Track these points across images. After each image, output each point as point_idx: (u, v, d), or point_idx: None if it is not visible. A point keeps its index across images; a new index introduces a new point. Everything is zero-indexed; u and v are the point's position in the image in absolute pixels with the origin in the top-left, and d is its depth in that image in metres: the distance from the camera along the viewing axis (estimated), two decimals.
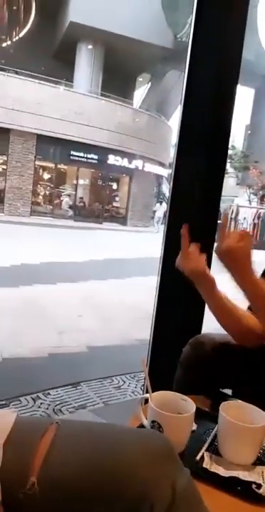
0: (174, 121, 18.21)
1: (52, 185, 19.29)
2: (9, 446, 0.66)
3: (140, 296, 4.58)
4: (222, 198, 1.75)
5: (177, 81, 19.99)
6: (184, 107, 1.62)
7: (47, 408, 2.24)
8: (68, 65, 19.42)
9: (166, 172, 21.43)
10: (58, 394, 2.40)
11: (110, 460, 0.64)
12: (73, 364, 3.06)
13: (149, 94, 24.31)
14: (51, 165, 19.02)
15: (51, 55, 20.37)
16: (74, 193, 19.63)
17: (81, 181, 20.33)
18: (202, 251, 1.06)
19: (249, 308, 1.10)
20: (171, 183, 1.70)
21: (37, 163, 17.82)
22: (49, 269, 7.02)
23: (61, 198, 19.50)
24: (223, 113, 1.63)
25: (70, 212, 19.08)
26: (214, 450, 0.88)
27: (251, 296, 0.99)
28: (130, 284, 6.50)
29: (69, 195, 19.58)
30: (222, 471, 0.82)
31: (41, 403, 2.28)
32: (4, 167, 17.21)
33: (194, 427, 0.91)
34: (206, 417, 0.98)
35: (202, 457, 0.86)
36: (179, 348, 1.22)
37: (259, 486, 0.79)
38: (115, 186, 21.82)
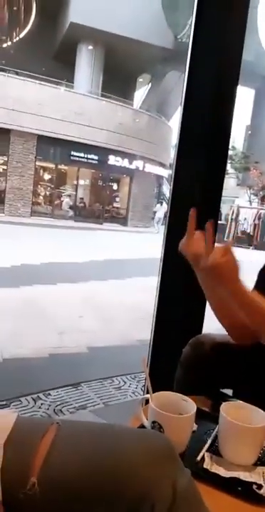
0: (175, 122, 18.22)
1: (52, 186, 19.30)
2: (10, 446, 0.66)
3: (141, 297, 4.58)
4: (223, 198, 1.75)
5: (177, 82, 20.05)
6: (185, 108, 1.62)
7: (47, 408, 2.24)
8: (68, 65, 19.44)
9: (166, 173, 21.45)
10: (58, 394, 2.40)
11: (111, 460, 0.64)
12: (74, 364, 3.06)
13: (149, 95, 24.33)
14: (52, 165, 19.04)
15: (52, 55, 20.40)
16: (74, 193, 19.64)
17: (82, 182, 20.35)
18: None
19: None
20: (171, 184, 1.70)
21: (37, 163, 17.84)
22: (49, 269, 7.03)
23: (62, 199, 19.51)
24: (223, 114, 1.63)
25: (71, 213, 19.09)
26: (215, 451, 0.88)
27: (241, 307, 1.00)
28: (130, 284, 6.50)
29: (69, 196, 19.59)
30: (223, 472, 0.82)
31: (42, 403, 2.28)
32: (5, 167, 17.23)
33: (195, 427, 0.90)
34: (207, 417, 0.98)
35: (203, 458, 0.86)
36: (179, 349, 1.22)
37: (260, 486, 0.79)
38: (115, 187, 21.84)
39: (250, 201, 20.76)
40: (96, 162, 18.75)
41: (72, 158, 18.21)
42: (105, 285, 6.25)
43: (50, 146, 17.41)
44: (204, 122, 1.61)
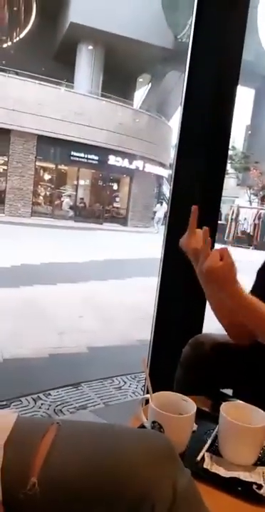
0: (175, 122, 18.23)
1: (52, 186, 19.31)
2: (10, 446, 0.66)
3: (141, 297, 4.58)
4: (223, 198, 1.75)
5: (177, 82, 20.05)
6: (185, 108, 1.62)
7: (48, 409, 2.24)
8: (68, 65, 19.45)
9: (166, 173, 21.45)
10: (58, 394, 2.41)
11: (111, 460, 0.64)
12: (74, 364, 3.06)
13: (149, 95, 24.34)
14: (52, 165, 19.04)
15: (52, 55, 20.41)
16: (74, 193, 19.65)
17: (82, 182, 20.35)
18: None
19: None
20: (171, 184, 1.70)
21: (38, 163, 17.84)
22: (49, 269, 7.03)
23: (62, 199, 19.51)
24: (223, 114, 1.63)
25: (71, 213, 19.10)
26: (215, 451, 0.88)
27: (238, 310, 1.00)
28: (130, 284, 6.50)
29: (69, 196, 19.59)
30: (223, 472, 0.82)
31: (42, 404, 2.28)
32: (5, 168, 17.24)
33: (195, 427, 0.91)
34: (207, 417, 0.98)
35: (203, 458, 0.86)
36: (179, 349, 1.22)
37: (260, 486, 0.79)
38: (115, 187, 21.84)
39: (250, 201, 20.77)
40: (96, 162, 18.75)
41: (72, 158, 18.21)
42: (105, 285, 6.25)
43: (50, 146, 17.42)
44: (204, 122, 1.61)
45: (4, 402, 2.24)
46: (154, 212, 20.83)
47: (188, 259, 1.03)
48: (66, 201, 19.40)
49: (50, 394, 2.39)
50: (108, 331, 3.97)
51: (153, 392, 0.90)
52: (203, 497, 0.65)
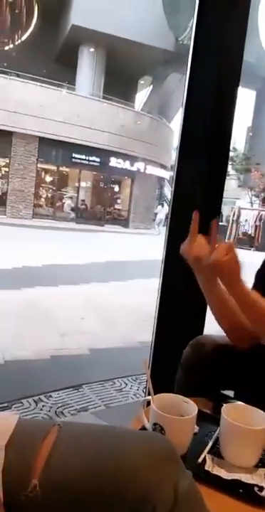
0: (176, 124, 18.24)
1: (54, 188, 19.34)
2: (11, 448, 0.66)
3: (142, 299, 4.58)
4: (224, 200, 1.75)
5: (179, 84, 20.07)
6: (186, 110, 1.62)
7: (49, 410, 2.24)
8: (70, 68, 19.49)
9: (168, 174, 21.46)
10: (59, 396, 2.40)
11: (112, 462, 0.64)
12: (75, 366, 3.06)
13: (150, 97, 24.37)
14: (53, 167, 19.07)
15: (53, 58, 20.46)
16: (76, 195, 19.67)
17: (83, 184, 20.38)
18: None
19: None
20: (172, 186, 1.71)
21: (39, 165, 17.87)
22: (51, 271, 7.03)
23: (63, 201, 19.54)
24: (224, 115, 1.63)
25: (72, 215, 19.12)
26: (216, 452, 0.88)
27: (241, 306, 1.01)
28: (131, 286, 6.50)
29: (71, 198, 19.62)
30: (224, 474, 0.82)
31: (43, 405, 2.28)
32: (6, 170, 17.28)
33: (196, 429, 0.90)
34: (208, 419, 0.97)
35: (204, 460, 0.86)
36: (181, 351, 1.22)
37: (261, 488, 0.79)
38: (116, 189, 21.87)
39: (251, 202, 20.76)
40: (98, 164, 18.78)
41: (73, 160, 18.24)
42: (107, 287, 6.25)
43: (51, 148, 17.45)
44: (206, 124, 1.61)
45: (5, 404, 2.24)
46: (156, 214, 20.84)
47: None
48: (68, 203, 19.42)
49: (51, 396, 2.39)
50: (109, 333, 3.97)
51: (154, 394, 0.90)
52: (204, 499, 0.65)
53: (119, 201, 21.41)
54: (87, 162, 18.51)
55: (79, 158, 18.23)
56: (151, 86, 24.68)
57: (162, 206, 20.52)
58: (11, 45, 17.07)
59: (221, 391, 1.18)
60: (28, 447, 0.67)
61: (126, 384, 2.67)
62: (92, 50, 19.69)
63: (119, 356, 3.33)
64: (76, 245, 11.91)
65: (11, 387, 2.50)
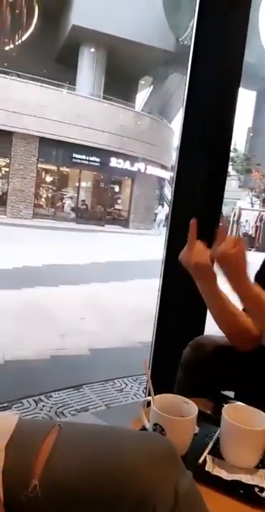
0: (176, 124, 18.23)
1: (54, 188, 19.35)
2: (11, 448, 0.66)
3: (142, 299, 4.58)
4: (224, 200, 1.74)
5: (179, 84, 20.07)
6: (186, 110, 1.62)
7: (49, 411, 2.24)
8: (70, 68, 19.50)
9: (168, 175, 21.46)
10: (60, 396, 2.40)
11: (112, 462, 0.64)
12: (75, 366, 3.06)
13: (151, 97, 24.39)
14: (54, 168, 19.08)
15: (54, 58, 20.47)
16: (76, 195, 19.67)
17: (83, 184, 20.38)
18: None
19: (244, 309, 1.10)
20: (173, 186, 1.71)
21: (39, 165, 17.87)
22: (51, 271, 7.03)
23: (63, 201, 19.55)
24: (225, 116, 1.63)
25: (73, 215, 19.12)
26: (217, 453, 0.88)
27: (245, 301, 1.01)
28: (131, 286, 6.50)
29: (71, 198, 19.63)
30: (225, 475, 0.82)
31: (43, 406, 2.28)
32: (7, 170, 17.28)
33: (197, 429, 0.90)
34: (209, 419, 0.97)
35: (205, 460, 0.86)
36: (181, 351, 1.22)
37: (262, 489, 0.78)
38: (117, 189, 21.86)
39: (252, 203, 20.73)
40: (98, 164, 18.78)
41: (74, 160, 18.25)
42: (107, 287, 6.25)
43: (52, 148, 17.45)
44: (206, 124, 1.61)
45: (6, 404, 2.24)
46: (156, 214, 20.85)
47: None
48: (68, 203, 19.43)
49: (51, 396, 2.39)
50: (110, 333, 3.97)
51: (155, 394, 0.90)
52: (205, 500, 0.65)
53: (119, 201, 21.41)
54: (87, 162, 18.51)
55: (79, 159, 18.24)
56: (151, 86, 24.69)
57: (163, 206, 20.53)
58: (12, 45, 17.10)
59: (222, 391, 1.18)
60: (28, 447, 0.67)
61: (126, 384, 2.67)
62: (92, 50, 19.69)
63: (119, 356, 3.33)
64: (76, 245, 11.91)
65: (11, 387, 2.49)
